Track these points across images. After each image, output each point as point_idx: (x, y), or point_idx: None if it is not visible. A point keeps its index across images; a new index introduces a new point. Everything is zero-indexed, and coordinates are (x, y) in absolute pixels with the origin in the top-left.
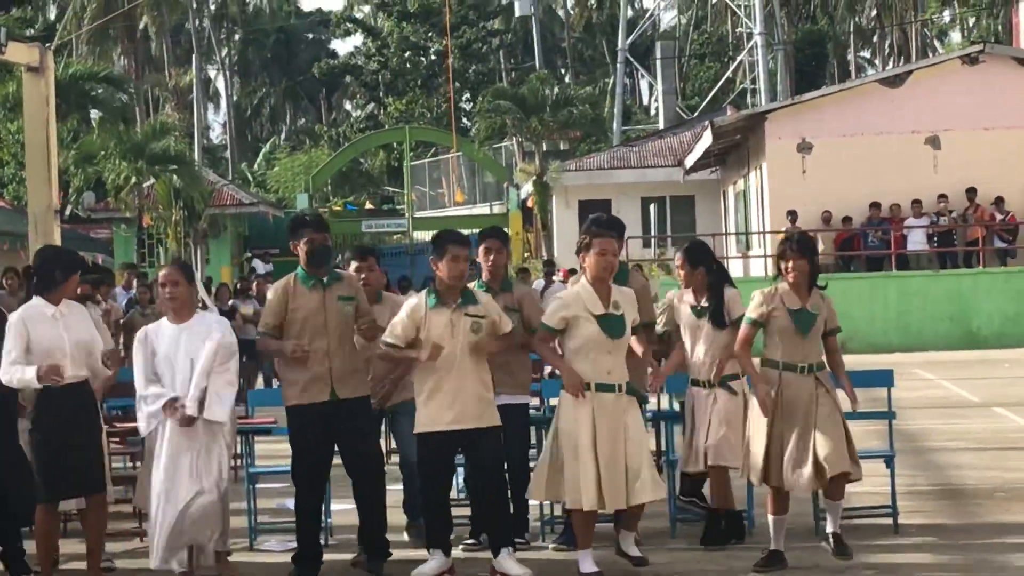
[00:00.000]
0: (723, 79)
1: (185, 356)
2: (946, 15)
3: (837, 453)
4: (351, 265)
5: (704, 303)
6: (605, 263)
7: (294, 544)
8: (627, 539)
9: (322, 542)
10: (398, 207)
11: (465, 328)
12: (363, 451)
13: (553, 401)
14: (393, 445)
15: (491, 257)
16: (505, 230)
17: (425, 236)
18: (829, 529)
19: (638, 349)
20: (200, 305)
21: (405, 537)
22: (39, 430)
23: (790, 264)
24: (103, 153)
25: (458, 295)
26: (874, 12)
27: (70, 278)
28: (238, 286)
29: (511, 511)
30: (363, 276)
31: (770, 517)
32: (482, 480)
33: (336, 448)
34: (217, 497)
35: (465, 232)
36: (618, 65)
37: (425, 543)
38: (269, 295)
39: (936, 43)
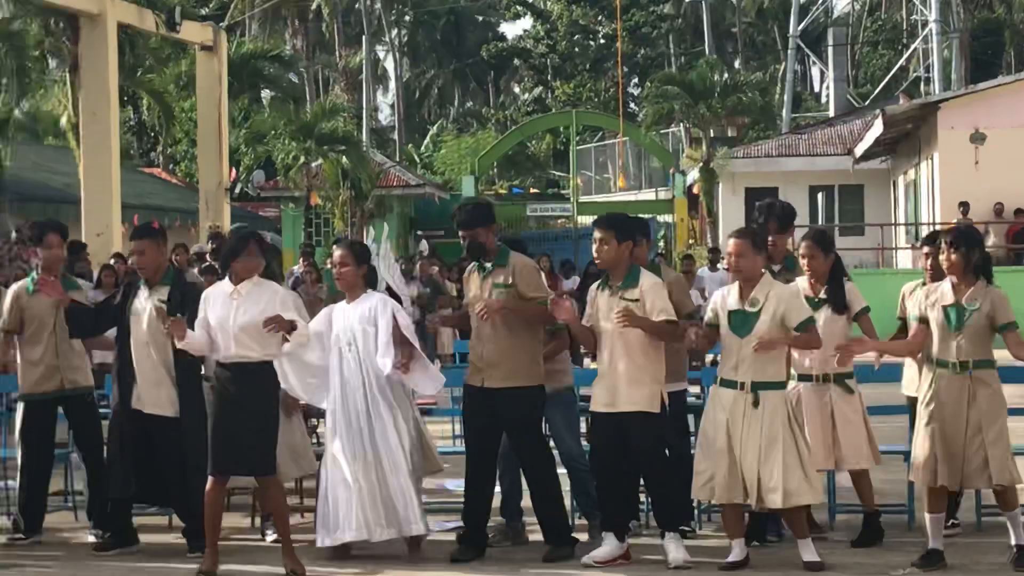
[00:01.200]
0: (896, 67)
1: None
2: None
3: (998, 462)
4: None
5: (823, 295)
6: (732, 264)
7: (452, 524)
8: (805, 546)
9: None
10: (563, 191)
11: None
12: (515, 441)
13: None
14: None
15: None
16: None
17: (590, 220)
18: (1013, 541)
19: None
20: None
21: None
22: (211, 404)
23: (943, 257)
24: (273, 132)
25: (620, 278)
26: None
27: (234, 260)
28: (402, 267)
29: (672, 495)
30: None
31: (927, 516)
32: (638, 463)
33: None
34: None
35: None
36: (789, 51)
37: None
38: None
39: None
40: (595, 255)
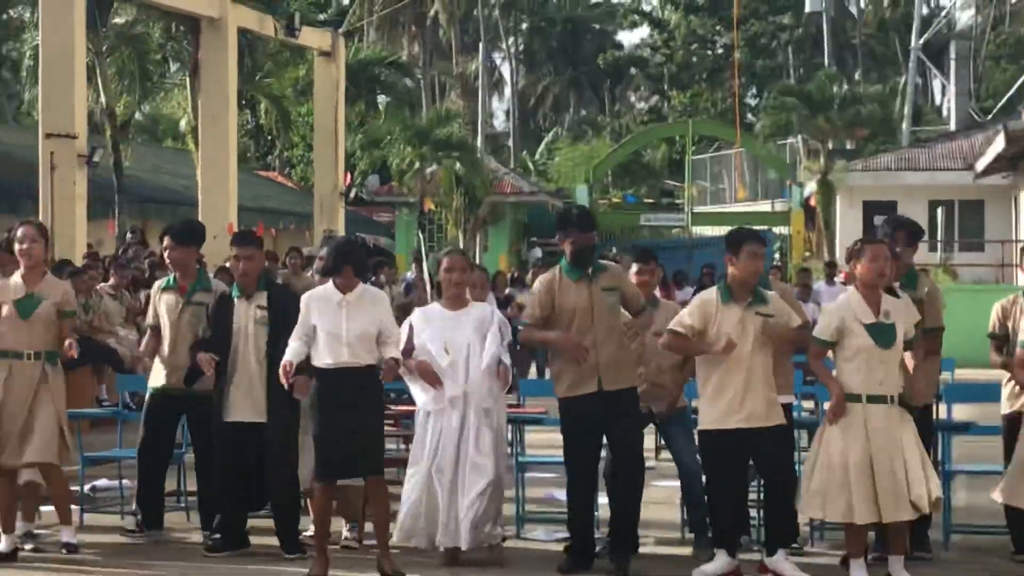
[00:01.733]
0: (1020, 81)
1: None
2: None
3: None
4: (632, 268)
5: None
6: (877, 269)
7: (561, 534)
8: (896, 564)
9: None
10: (677, 201)
11: (756, 326)
12: (629, 442)
13: (826, 405)
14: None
15: (758, 263)
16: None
17: (704, 231)
18: None
19: (910, 363)
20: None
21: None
22: (317, 409)
23: None
24: (388, 138)
25: (750, 293)
26: None
27: (347, 265)
28: (514, 275)
29: (790, 511)
30: (643, 279)
31: None
32: (769, 478)
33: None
34: (492, 483)
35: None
36: (910, 64)
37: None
38: (536, 286)
39: None
40: (755, 269)
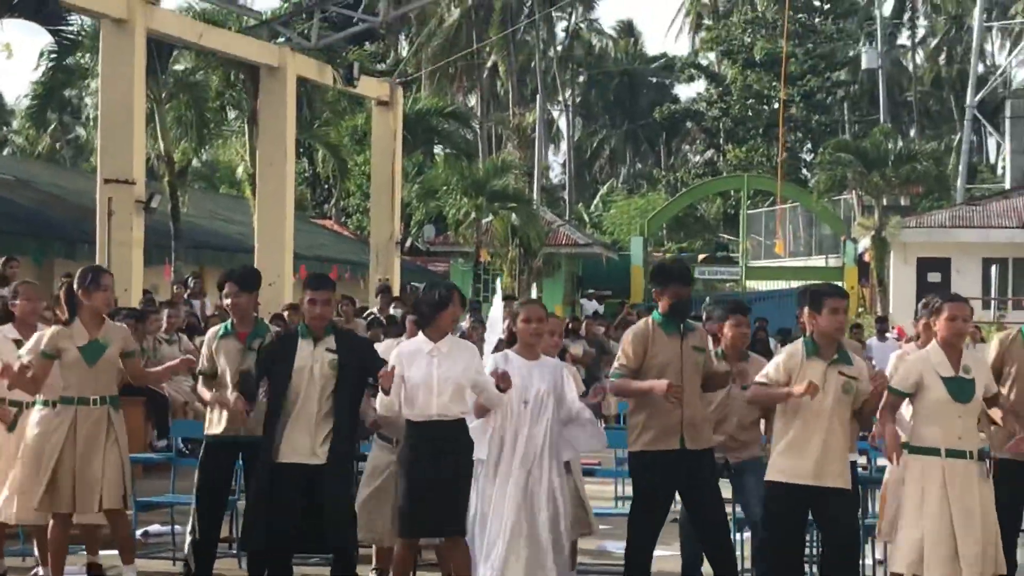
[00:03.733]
0: None
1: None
2: None
3: None
4: (728, 320)
5: None
6: (957, 328)
7: None
8: None
9: None
10: (732, 255)
11: (837, 385)
12: (712, 502)
13: (881, 461)
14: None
15: (839, 319)
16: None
17: (758, 285)
18: None
19: (997, 416)
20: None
21: None
22: (404, 463)
23: None
24: (445, 188)
25: (834, 350)
26: None
27: (439, 314)
28: (569, 326)
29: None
30: (742, 331)
31: None
32: (836, 541)
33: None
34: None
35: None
36: (966, 122)
37: None
38: (626, 338)
39: None
40: (838, 324)
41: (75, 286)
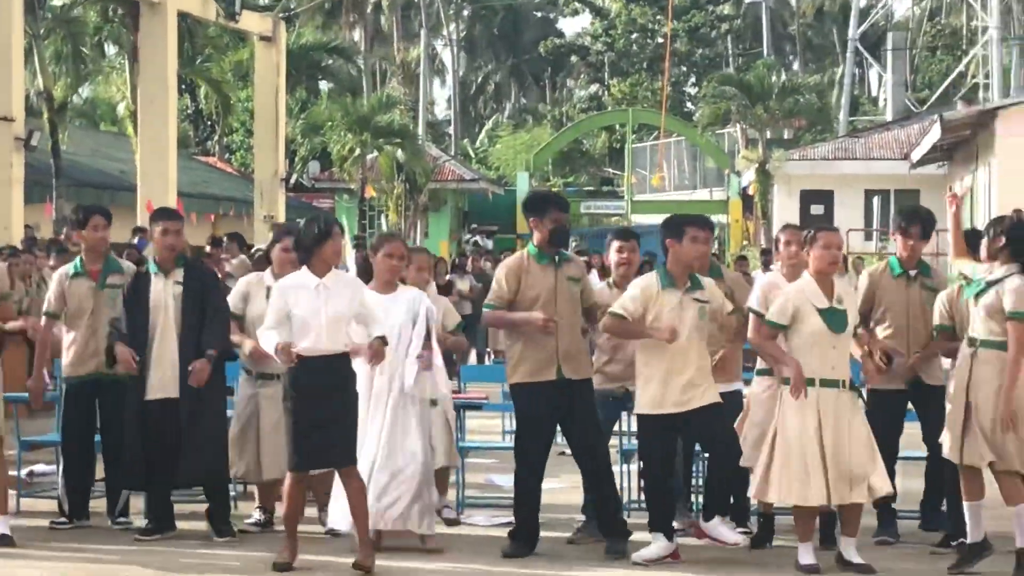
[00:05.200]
0: (955, 73)
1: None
2: None
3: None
4: (613, 245)
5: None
6: (831, 256)
7: (500, 520)
8: (849, 545)
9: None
10: (617, 189)
11: (692, 312)
12: (591, 432)
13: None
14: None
15: (701, 248)
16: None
17: (642, 219)
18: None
19: (856, 352)
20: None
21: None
22: (292, 400)
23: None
24: (329, 124)
25: (687, 279)
26: None
27: (321, 247)
28: (456, 261)
29: (727, 482)
30: (624, 257)
31: (965, 504)
32: (711, 450)
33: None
34: (422, 468)
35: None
36: (848, 55)
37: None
38: (500, 271)
39: None
40: (697, 253)
41: None
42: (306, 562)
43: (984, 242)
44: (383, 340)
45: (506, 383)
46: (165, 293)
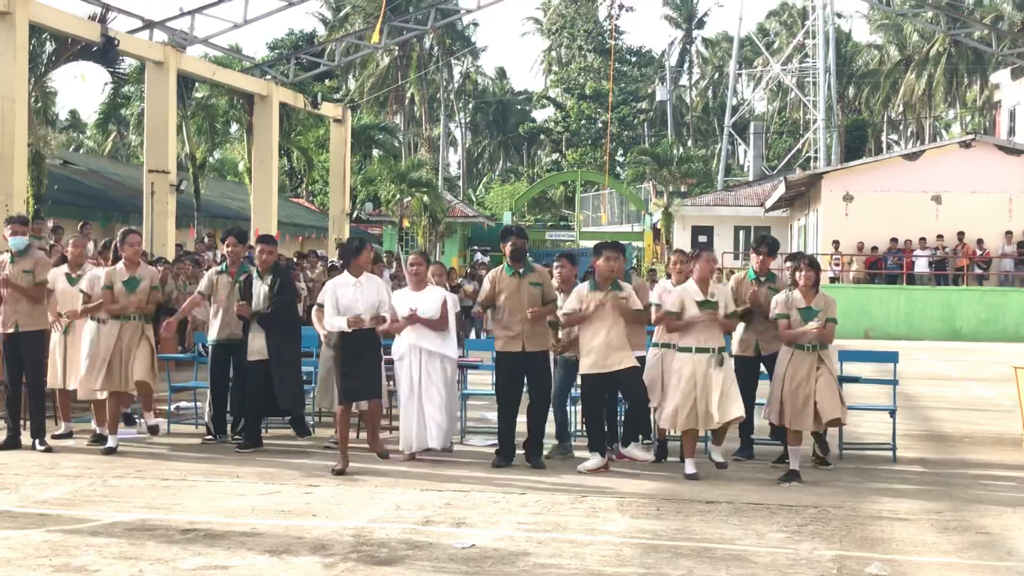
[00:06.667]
0: (795, 149)
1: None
2: (950, 113)
3: (832, 404)
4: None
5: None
6: (709, 268)
7: (491, 442)
8: (715, 451)
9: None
10: (570, 224)
11: (613, 304)
12: (542, 384)
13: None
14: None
15: (611, 263)
16: (623, 242)
17: (589, 243)
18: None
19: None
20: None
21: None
22: (339, 356)
23: (802, 275)
24: (379, 178)
25: (609, 283)
26: (900, 109)
27: (356, 257)
28: (468, 270)
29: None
30: (611, 265)
31: (789, 448)
32: (629, 399)
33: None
34: (448, 406)
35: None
36: (724, 136)
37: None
38: (485, 281)
39: (943, 131)
40: (608, 268)
41: (116, 243)
42: (355, 468)
43: (789, 265)
44: (382, 319)
45: (493, 351)
46: (261, 289)
